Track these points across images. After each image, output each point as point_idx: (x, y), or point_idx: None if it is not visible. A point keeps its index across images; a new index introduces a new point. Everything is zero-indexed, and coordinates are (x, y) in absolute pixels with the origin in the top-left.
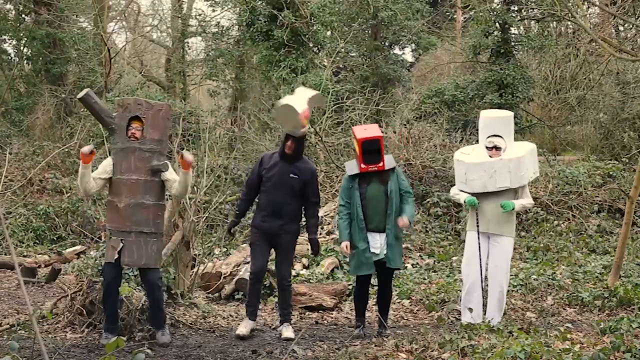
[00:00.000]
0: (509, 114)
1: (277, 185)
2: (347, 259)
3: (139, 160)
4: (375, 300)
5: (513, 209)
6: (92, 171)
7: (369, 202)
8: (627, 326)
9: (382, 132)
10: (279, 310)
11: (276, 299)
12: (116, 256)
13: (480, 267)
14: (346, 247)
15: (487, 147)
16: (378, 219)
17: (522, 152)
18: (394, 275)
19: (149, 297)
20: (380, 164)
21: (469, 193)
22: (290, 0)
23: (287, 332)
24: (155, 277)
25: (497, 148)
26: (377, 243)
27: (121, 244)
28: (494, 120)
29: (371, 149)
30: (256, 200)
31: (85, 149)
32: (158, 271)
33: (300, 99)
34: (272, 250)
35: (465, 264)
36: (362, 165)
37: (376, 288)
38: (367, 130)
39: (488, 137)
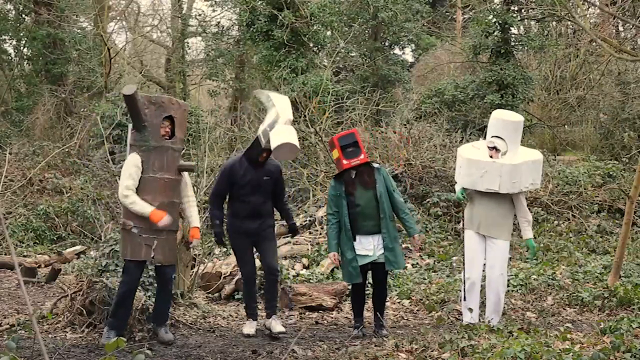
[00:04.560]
0: (519, 119)
1: (254, 189)
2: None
3: (170, 159)
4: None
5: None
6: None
7: (361, 210)
8: (627, 326)
9: (382, 132)
10: (265, 303)
11: None
12: (152, 254)
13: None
14: (334, 257)
15: (488, 147)
16: (371, 224)
17: (521, 159)
18: (391, 275)
19: (162, 291)
20: (362, 157)
21: (478, 191)
22: (290, 0)
23: (278, 326)
24: (173, 272)
25: (496, 149)
26: (370, 245)
27: (155, 242)
28: (500, 122)
29: (348, 143)
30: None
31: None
32: (174, 267)
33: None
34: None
35: (467, 262)
36: (345, 162)
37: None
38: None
39: (492, 137)
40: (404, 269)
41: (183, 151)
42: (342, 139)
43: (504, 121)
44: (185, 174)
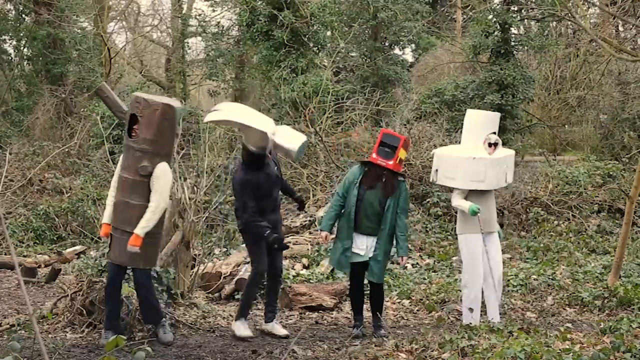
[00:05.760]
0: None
1: (275, 183)
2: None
3: (130, 159)
4: None
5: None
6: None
7: (363, 207)
8: (627, 326)
9: None
10: (266, 306)
11: None
12: (108, 250)
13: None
14: (325, 237)
15: (489, 144)
16: (368, 225)
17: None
18: (391, 275)
19: (137, 295)
20: (390, 163)
21: (478, 191)
22: (290, 0)
23: (282, 329)
24: (140, 277)
25: (496, 145)
26: (364, 245)
27: (109, 239)
28: (494, 117)
29: (389, 144)
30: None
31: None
32: (145, 272)
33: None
34: None
35: (476, 274)
36: (374, 155)
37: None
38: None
39: (491, 133)
40: (381, 283)
41: (150, 151)
42: (387, 135)
43: (495, 116)
44: (155, 178)
